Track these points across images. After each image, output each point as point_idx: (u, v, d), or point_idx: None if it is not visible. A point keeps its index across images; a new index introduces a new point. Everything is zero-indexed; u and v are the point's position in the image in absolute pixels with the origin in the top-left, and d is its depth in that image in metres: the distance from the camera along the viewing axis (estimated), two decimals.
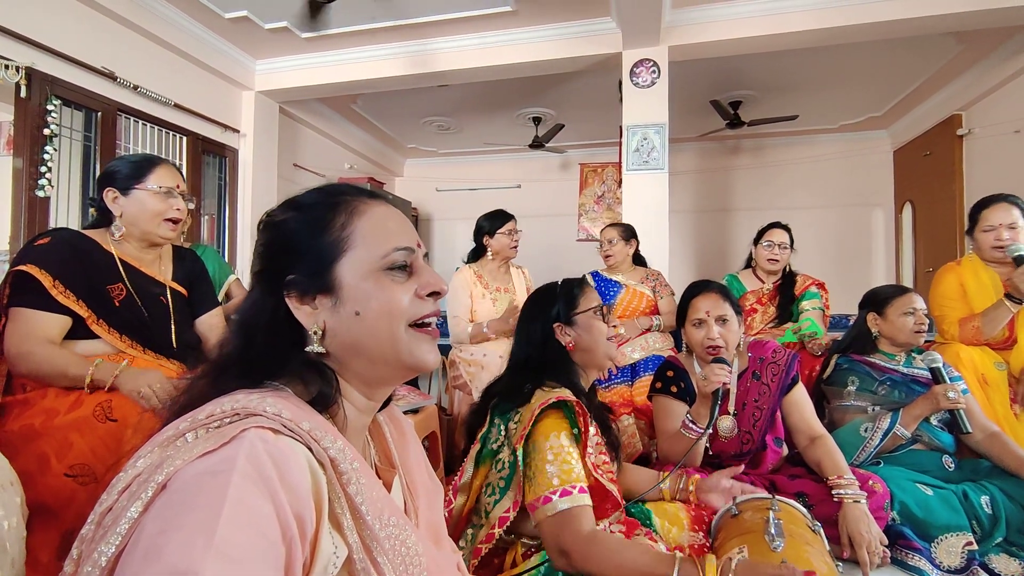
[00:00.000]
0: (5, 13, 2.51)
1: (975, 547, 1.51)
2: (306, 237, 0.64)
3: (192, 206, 1.60)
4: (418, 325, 0.65)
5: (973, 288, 2.16)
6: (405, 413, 1.93)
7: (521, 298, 2.68)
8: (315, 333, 0.62)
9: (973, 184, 4.05)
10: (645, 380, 2.38)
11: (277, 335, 0.62)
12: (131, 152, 3.19)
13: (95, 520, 0.50)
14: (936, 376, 1.74)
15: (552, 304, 1.34)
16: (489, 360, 2.41)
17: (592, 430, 1.20)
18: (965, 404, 1.69)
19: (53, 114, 2.69)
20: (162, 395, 1.21)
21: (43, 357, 1.25)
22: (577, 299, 1.34)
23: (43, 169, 2.65)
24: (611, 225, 2.86)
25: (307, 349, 0.62)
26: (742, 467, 1.40)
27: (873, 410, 1.84)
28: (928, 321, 1.92)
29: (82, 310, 1.32)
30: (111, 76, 3.00)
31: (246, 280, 3.40)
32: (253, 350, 0.62)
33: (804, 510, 1.29)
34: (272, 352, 0.62)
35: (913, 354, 1.95)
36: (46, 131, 2.66)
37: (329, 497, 0.54)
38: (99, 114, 3.00)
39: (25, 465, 1.13)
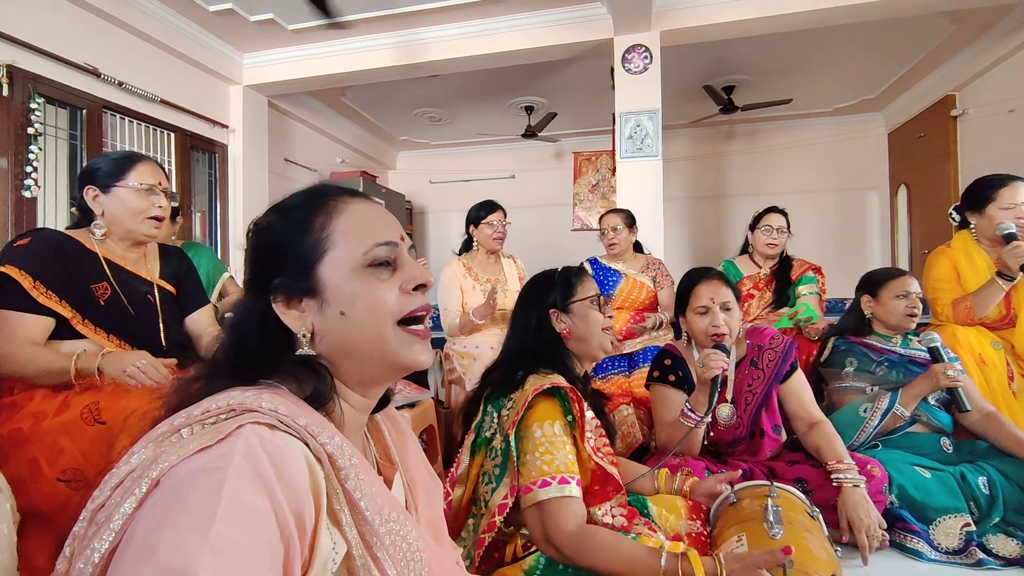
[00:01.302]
0: None
1: (973, 528, 1.52)
2: (288, 240, 0.64)
3: (176, 204, 1.56)
4: (408, 323, 0.65)
5: (966, 269, 2.16)
6: (402, 407, 1.93)
7: (513, 288, 2.66)
8: (304, 336, 0.62)
9: (967, 165, 4.04)
10: (643, 370, 2.38)
11: (267, 338, 0.63)
12: (119, 150, 3.14)
13: (87, 517, 0.49)
14: (935, 355, 1.74)
15: (549, 291, 1.33)
16: (481, 352, 2.40)
17: (589, 415, 1.20)
18: (964, 383, 1.70)
19: (37, 112, 2.65)
20: (150, 372, 1.20)
21: (26, 358, 1.24)
22: (574, 287, 1.33)
23: (29, 169, 2.62)
24: (613, 211, 2.80)
25: (297, 352, 0.62)
26: (739, 473, 1.39)
27: (871, 391, 1.84)
28: (922, 304, 1.92)
29: (65, 310, 1.30)
30: (95, 73, 2.95)
31: (239, 278, 3.37)
32: (245, 352, 0.62)
33: (803, 496, 1.29)
34: (264, 354, 0.62)
35: (910, 336, 1.95)
36: (30, 130, 2.63)
37: (327, 493, 0.54)
38: (84, 112, 2.95)
39: (16, 470, 1.12)
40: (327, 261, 0.62)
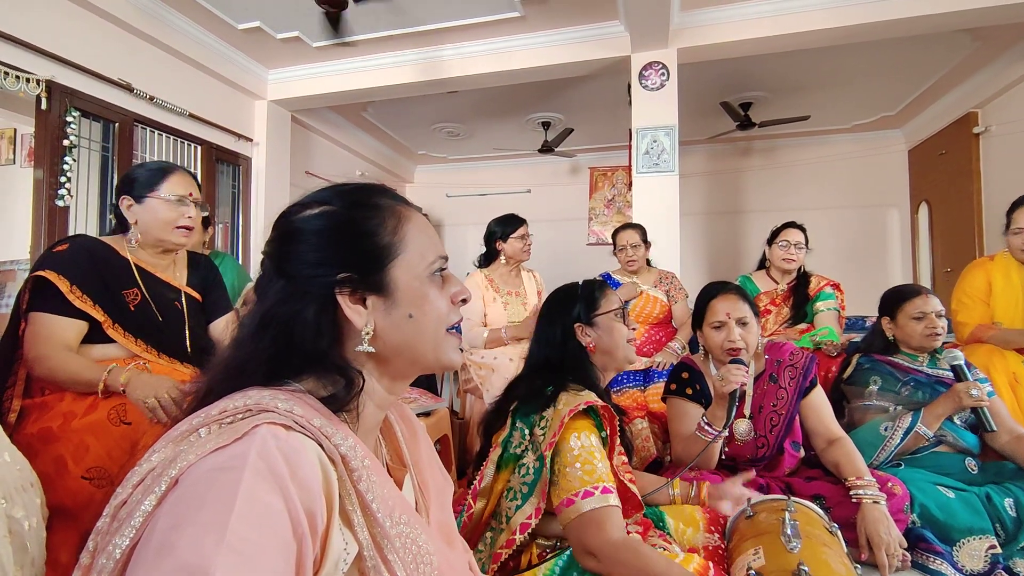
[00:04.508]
0: (26, 27, 2.57)
1: (999, 551, 1.47)
2: (364, 234, 0.64)
3: (206, 213, 1.59)
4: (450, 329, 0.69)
5: (1001, 287, 2.13)
6: (417, 416, 1.94)
7: (532, 301, 2.67)
8: (367, 334, 0.62)
9: (991, 183, 3.98)
10: (658, 385, 2.36)
11: (322, 331, 0.61)
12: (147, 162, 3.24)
13: (110, 513, 0.50)
14: (958, 374, 1.70)
15: (572, 305, 1.34)
16: (500, 363, 2.40)
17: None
18: (988, 402, 1.65)
19: (72, 125, 2.75)
20: (169, 408, 1.20)
21: (58, 362, 1.27)
22: (598, 300, 1.34)
23: (63, 179, 2.70)
24: (630, 227, 2.77)
25: (358, 349, 0.62)
26: (753, 473, 1.37)
27: (895, 410, 1.80)
28: (945, 323, 1.88)
29: (98, 315, 1.34)
30: (128, 88, 3.07)
31: None
32: (291, 348, 0.60)
33: (821, 511, 1.27)
34: (310, 350, 0.60)
35: (937, 355, 1.91)
36: (65, 142, 2.72)
37: (340, 494, 0.54)
38: (116, 125, 3.06)
39: (43, 467, 1.15)
40: (398, 263, 0.64)
